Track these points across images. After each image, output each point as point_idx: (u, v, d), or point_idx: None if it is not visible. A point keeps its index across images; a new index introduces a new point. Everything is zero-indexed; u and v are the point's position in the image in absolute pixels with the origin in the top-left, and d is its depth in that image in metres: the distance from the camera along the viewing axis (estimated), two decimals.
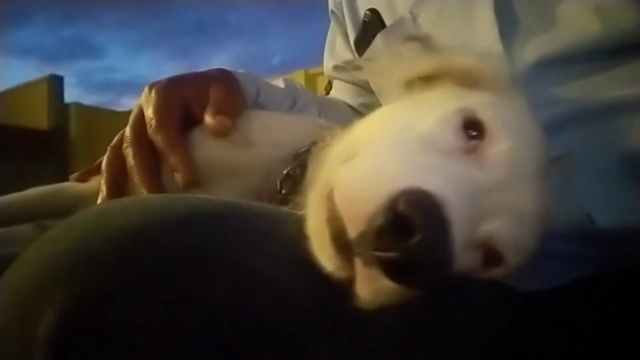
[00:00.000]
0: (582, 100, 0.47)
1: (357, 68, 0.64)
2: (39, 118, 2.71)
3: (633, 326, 0.35)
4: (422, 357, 0.32)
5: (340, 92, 0.82)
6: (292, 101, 0.66)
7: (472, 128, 0.36)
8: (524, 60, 0.50)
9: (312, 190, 0.34)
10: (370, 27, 0.65)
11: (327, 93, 0.90)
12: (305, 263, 0.32)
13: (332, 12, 0.79)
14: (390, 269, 0.28)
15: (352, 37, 0.72)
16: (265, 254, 0.32)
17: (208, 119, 0.51)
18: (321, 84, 1.61)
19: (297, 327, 0.29)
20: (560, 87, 0.48)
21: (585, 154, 0.45)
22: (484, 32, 0.53)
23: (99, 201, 0.52)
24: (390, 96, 0.44)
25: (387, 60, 0.48)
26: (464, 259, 0.32)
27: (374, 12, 0.65)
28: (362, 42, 0.67)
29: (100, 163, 0.54)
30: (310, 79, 2.10)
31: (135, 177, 0.50)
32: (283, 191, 0.49)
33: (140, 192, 0.49)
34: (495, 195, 0.34)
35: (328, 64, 0.83)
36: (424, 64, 0.42)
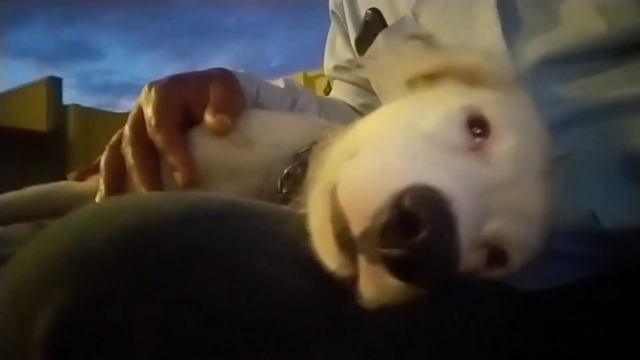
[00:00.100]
0: (584, 100, 0.47)
1: (360, 66, 0.64)
2: (37, 120, 2.70)
3: (636, 327, 0.35)
4: (423, 357, 0.31)
5: (341, 92, 0.82)
6: (292, 101, 0.66)
7: (477, 125, 0.35)
8: (526, 58, 0.49)
9: (314, 188, 0.34)
10: (372, 26, 0.65)
11: (326, 95, 0.89)
12: (307, 262, 0.31)
13: (333, 12, 0.78)
14: (396, 267, 0.27)
15: (352, 37, 0.72)
16: (266, 254, 0.31)
17: (208, 117, 0.50)
18: (320, 87, 1.61)
19: (297, 327, 0.29)
20: (563, 86, 0.48)
21: (587, 153, 0.45)
22: (487, 31, 0.52)
23: (97, 200, 0.51)
24: (391, 95, 0.43)
25: (389, 58, 0.48)
26: (469, 258, 0.31)
27: (375, 12, 0.64)
28: (363, 42, 0.67)
29: (99, 162, 0.53)
30: (309, 82, 2.10)
31: (135, 177, 0.49)
32: (284, 190, 0.49)
33: (140, 191, 0.49)
34: (501, 193, 0.34)
35: (328, 64, 0.83)
36: (427, 62, 0.42)
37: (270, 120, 0.56)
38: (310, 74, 2.16)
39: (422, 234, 0.26)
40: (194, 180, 0.49)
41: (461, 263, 0.28)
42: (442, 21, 0.57)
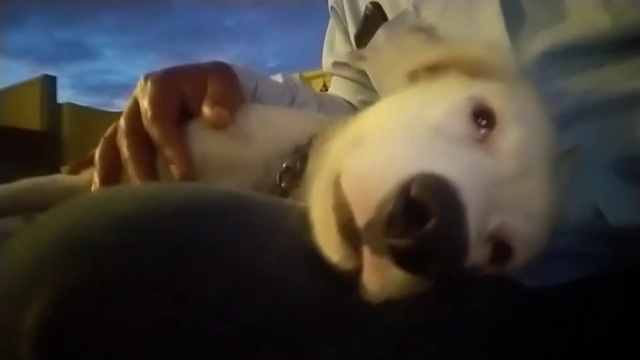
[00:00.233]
0: (589, 94, 0.46)
1: (361, 58, 0.63)
2: (31, 119, 2.68)
3: (639, 325, 0.34)
4: (427, 355, 0.31)
5: (339, 89, 0.81)
6: (291, 97, 0.65)
7: (482, 117, 0.35)
8: (530, 52, 0.49)
9: (316, 179, 0.33)
10: (372, 21, 0.64)
11: None
12: (309, 256, 0.30)
13: (332, 8, 0.78)
14: (402, 258, 0.26)
15: (352, 32, 0.71)
16: (267, 247, 0.30)
17: (206, 110, 0.49)
18: (316, 87, 1.61)
19: (298, 326, 0.28)
20: (567, 80, 0.47)
21: (592, 148, 0.44)
22: (490, 25, 0.52)
23: None
24: (391, 89, 0.42)
25: (392, 50, 0.47)
26: (474, 252, 0.30)
27: (376, 6, 0.64)
28: (364, 37, 0.66)
29: (94, 155, 0.52)
30: (305, 82, 2.11)
31: (130, 170, 0.48)
32: (283, 185, 0.48)
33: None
34: (506, 186, 0.33)
35: (327, 61, 0.82)
36: (430, 54, 0.41)
37: (269, 114, 0.55)
38: (306, 74, 2.18)
39: (431, 223, 0.25)
40: (191, 174, 0.48)
41: (469, 254, 0.27)
42: (444, 15, 0.56)
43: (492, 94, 0.36)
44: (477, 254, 0.33)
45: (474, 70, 0.40)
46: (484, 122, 0.34)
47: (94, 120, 2.60)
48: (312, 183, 0.33)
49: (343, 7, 0.74)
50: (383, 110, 0.39)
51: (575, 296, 0.39)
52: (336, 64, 0.80)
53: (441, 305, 0.31)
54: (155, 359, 0.25)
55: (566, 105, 0.46)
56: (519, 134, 0.34)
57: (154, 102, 0.49)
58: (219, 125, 0.49)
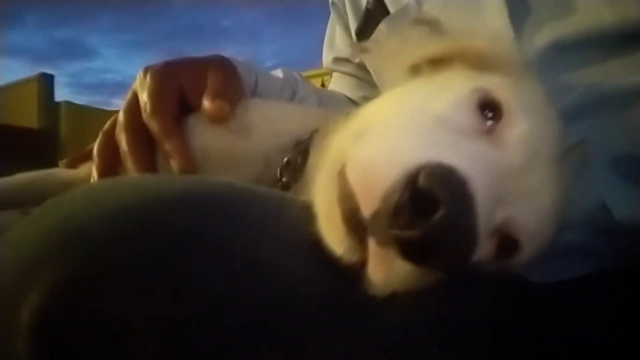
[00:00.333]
0: (595, 87, 0.46)
1: (364, 50, 0.62)
2: (29, 117, 2.67)
3: None
4: (430, 351, 0.30)
5: (340, 85, 0.81)
6: (291, 92, 0.64)
7: (488, 109, 0.34)
8: (536, 45, 0.48)
9: (320, 171, 0.32)
10: (374, 15, 0.63)
11: None
12: (312, 249, 0.30)
13: (333, 3, 0.77)
14: (409, 249, 0.25)
15: (353, 27, 0.71)
16: (269, 240, 0.30)
17: (206, 103, 0.49)
18: None
19: (301, 320, 0.28)
20: (574, 73, 0.47)
21: (599, 142, 0.44)
22: (493, 19, 0.51)
23: None
24: (393, 82, 0.42)
25: (395, 42, 0.46)
26: (481, 244, 0.30)
27: (378, 0, 0.63)
28: (365, 31, 0.65)
29: (92, 149, 0.51)
30: None
31: (129, 164, 0.48)
32: (284, 179, 0.47)
33: None
34: (512, 179, 0.33)
35: (327, 57, 0.82)
36: (434, 46, 0.41)
37: (270, 108, 0.54)
38: (304, 74, 2.15)
39: (440, 213, 0.24)
40: (191, 168, 0.47)
41: (478, 246, 0.27)
42: (446, 9, 0.55)
43: (498, 85, 0.36)
44: (483, 247, 0.32)
45: (478, 63, 0.39)
46: (490, 114, 0.34)
47: (91, 118, 2.58)
48: (314, 176, 0.33)
49: (344, 2, 0.73)
50: (387, 102, 0.38)
51: (580, 293, 0.38)
52: (336, 60, 0.80)
53: (445, 301, 0.31)
54: (154, 352, 0.25)
55: (571, 99, 0.45)
56: (526, 127, 0.34)
57: (153, 96, 0.48)
58: (219, 119, 0.49)
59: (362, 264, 0.28)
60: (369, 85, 0.76)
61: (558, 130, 0.37)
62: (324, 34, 0.83)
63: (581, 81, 0.46)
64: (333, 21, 0.79)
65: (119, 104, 0.51)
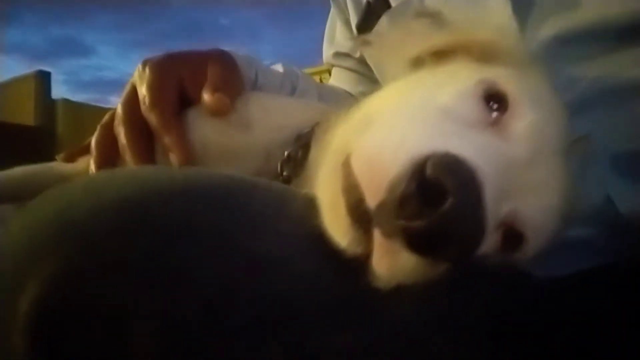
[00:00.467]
0: (600, 80, 0.45)
1: (366, 43, 0.62)
2: (25, 114, 2.66)
3: None
4: (434, 345, 0.30)
5: (340, 80, 0.80)
6: (291, 86, 0.64)
7: (494, 100, 0.34)
8: (540, 38, 0.48)
9: (324, 162, 0.32)
10: (375, 9, 0.63)
11: None
12: (315, 242, 0.29)
13: None
14: (416, 240, 0.25)
15: (354, 22, 0.70)
16: (271, 233, 0.29)
17: (206, 96, 0.48)
18: None
19: (304, 314, 0.27)
20: (578, 66, 0.46)
21: (604, 136, 0.43)
22: (496, 12, 0.51)
23: None
24: (394, 75, 0.41)
25: (397, 35, 0.46)
26: (489, 237, 0.29)
27: None
28: (366, 26, 0.65)
29: (90, 143, 0.51)
30: None
31: (127, 157, 0.47)
32: (284, 173, 0.47)
33: None
34: (519, 171, 0.32)
35: (327, 51, 0.81)
36: (438, 38, 0.40)
37: (270, 102, 0.54)
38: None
39: (448, 203, 0.24)
40: (190, 162, 0.47)
41: (486, 238, 0.26)
42: (449, 2, 0.55)
43: (503, 77, 0.35)
44: (489, 240, 0.32)
45: (482, 55, 0.39)
46: (495, 106, 0.33)
47: (88, 116, 2.57)
48: (316, 170, 0.32)
49: None
50: (391, 93, 0.38)
51: (585, 287, 0.38)
52: (337, 55, 0.79)
53: (449, 295, 0.30)
54: (153, 344, 0.24)
55: (576, 92, 0.45)
56: (532, 119, 0.33)
57: (152, 89, 0.48)
58: (219, 113, 0.48)
59: (367, 256, 0.28)
60: (369, 81, 0.75)
61: (564, 123, 0.36)
62: (322, 33, 0.83)
63: (586, 75, 0.46)
64: (333, 16, 0.79)
65: (117, 102, 0.50)
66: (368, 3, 0.65)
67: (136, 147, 0.48)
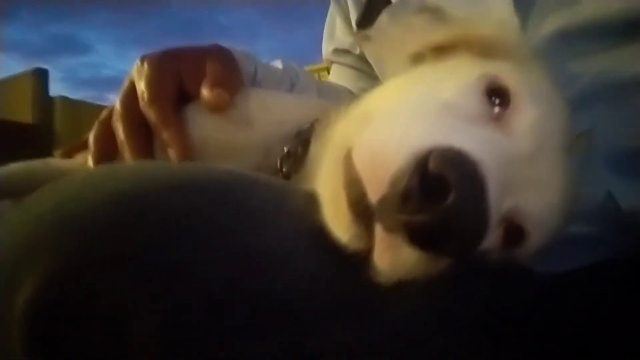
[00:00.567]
0: (601, 76, 0.45)
1: (366, 38, 0.61)
2: (23, 112, 2.65)
3: None
4: (435, 342, 0.29)
5: (339, 77, 0.80)
6: (290, 83, 0.64)
7: (496, 95, 0.33)
8: (541, 34, 0.47)
9: (325, 157, 0.31)
10: (375, 5, 0.62)
11: None
12: (314, 238, 0.29)
13: None
14: (418, 235, 0.25)
15: (354, 18, 0.70)
16: (272, 228, 0.29)
17: (205, 92, 0.48)
18: None
19: (305, 310, 0.27)
20: (579, 62, 0.46)
21: (606, 131, 0.43)
22: (497, 7, 0.50)
23: None
24: (395, 72, 0.41)
25: (398, 30, 0.45)
26: (491, 232, 0.29)
27: None
28: (366, 22, 0.65)
29: (88, 139, 0.51)
30: None
31: (126, 153, 0.47)
32: (284, 169, 0.46)
33: None
34: (521, 166, 0.32)
35: (327, 48, 0.81)
36: (439, 33, 0.40)
37: (270, 98, 0.53)
38: None
39: (451, 198, 0.23)
40: (189, 157, 0.46)
41: (489, 233, 0.26)
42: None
43: (505, 72, 0.35)
44: (491, 235, 0.31)
45: (484, 50, 0.38)
46: (497, 101, 0.33)
47: (86, 113, 2.56)
48: (316, 165, 0.32)
49: None
50: (393, 88, 0.38)
51: (587, 283, 0.38)
52: (336, 51, 0.79)
53: (450, 291, 0.30)
54: (152, 340, 0.24)
55: (577, 88, 0.45)
56: (535, 113, 0.33)
57: (151, 84, 0.47)
58: (218, 108, 0.48)
59: (368, 252, 0.27)
60: (368, 77, 0.75)
61: (566, 118, 0.36)
62: (321, 31, 0.82)
63: (586, 70, 0.45)
64: (333, 12, 0.79)
65: (114, 100, 0.50)
66: None
67: (135, 142, 0.47)
